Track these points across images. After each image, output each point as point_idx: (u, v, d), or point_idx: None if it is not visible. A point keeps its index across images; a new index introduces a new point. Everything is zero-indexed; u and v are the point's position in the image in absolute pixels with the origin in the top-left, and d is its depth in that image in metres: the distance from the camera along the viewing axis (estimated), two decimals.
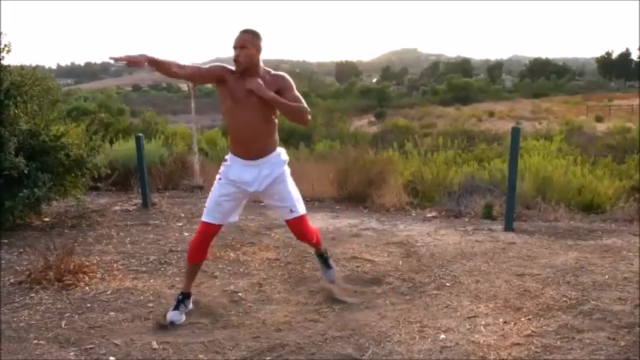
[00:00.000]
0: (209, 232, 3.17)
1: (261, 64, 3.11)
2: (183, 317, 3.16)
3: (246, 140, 3.10)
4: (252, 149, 3.10)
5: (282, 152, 3.25)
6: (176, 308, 3.17)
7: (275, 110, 3.12)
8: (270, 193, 3.23)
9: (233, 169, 3.15)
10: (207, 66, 3.11)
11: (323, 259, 3.63)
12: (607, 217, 5.63)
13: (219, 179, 3.19)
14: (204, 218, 3.17)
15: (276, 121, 3.20)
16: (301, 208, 3.30)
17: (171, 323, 3.10)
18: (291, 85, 3.11)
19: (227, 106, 3.10)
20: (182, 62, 2.97)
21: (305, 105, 3.10)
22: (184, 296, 3.24)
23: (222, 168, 3.22)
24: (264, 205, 3.45)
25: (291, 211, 3.26)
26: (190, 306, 3.27)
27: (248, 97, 3.02)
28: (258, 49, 3.05)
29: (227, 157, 3.23)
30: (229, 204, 3.18)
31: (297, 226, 3.33)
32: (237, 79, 3.05)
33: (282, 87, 3.08)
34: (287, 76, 3.16)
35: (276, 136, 3.24)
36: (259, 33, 3.06)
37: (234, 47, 3.02)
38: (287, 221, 3.34)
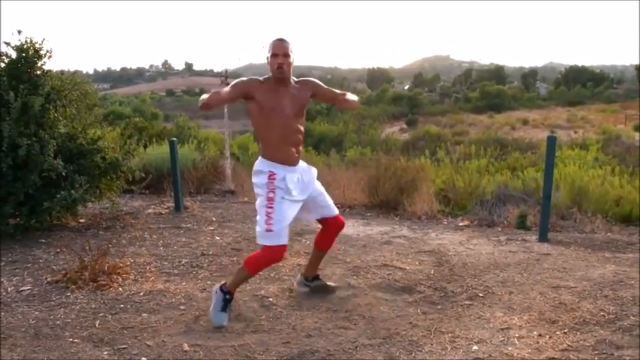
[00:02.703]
0: (283, 252, 3.16)
1: None
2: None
3: (291, 145, 3.19)
4: (294, 154, 3.21)
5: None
6: (223, 310, 3.21)
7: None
8: (314, 198, 3.32)
9: (287, 181, 3.10)
10: (230, 87, 3.10)
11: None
12: None
13: (282, 197, 3.08)
14: (278, 241, 3.07)
15: None
16: None
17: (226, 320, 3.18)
18: (321, 84, 3.35)
19: (266, 115, 3.10)
20: (221, 90, 3.08)
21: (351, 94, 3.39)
22: (231, 296, 3.25)
23: (270, 183, 3.08)
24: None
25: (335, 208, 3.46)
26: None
27: (289, 105, 3.14)
28: (295, 57, 3.17)
29: (268, 169, 3.12)
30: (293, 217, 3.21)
31: (340, 224, 3.48)
32: (269, 89, 3.10)
33: (316, 88, 3.29)
34: (312, 78, 3.39)
35: None
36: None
37: (276, 54, 3.05)
38: (336, 217, 3.45)
